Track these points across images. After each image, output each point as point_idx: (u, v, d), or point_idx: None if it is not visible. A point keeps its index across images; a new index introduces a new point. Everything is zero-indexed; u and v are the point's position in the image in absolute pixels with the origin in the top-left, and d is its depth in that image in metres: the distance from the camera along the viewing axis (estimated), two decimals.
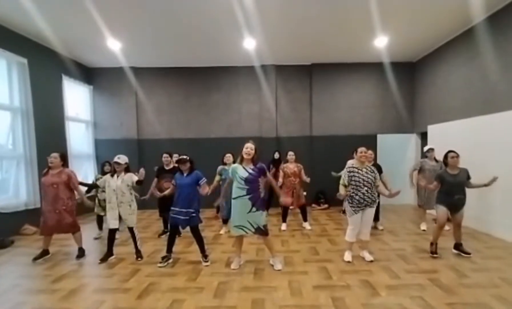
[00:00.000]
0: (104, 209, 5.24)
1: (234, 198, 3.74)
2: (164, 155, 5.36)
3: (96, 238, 5.46)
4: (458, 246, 4.28)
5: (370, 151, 5.49)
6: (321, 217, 6.90)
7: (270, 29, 5.95)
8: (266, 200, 4.01)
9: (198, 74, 8.27)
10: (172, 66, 8.18)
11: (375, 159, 5.80)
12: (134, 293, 3.29)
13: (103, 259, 4.22)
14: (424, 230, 5.57)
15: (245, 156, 3.70)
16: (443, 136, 6.60)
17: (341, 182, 4.05)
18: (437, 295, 3.13)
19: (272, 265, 3.89)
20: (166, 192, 4.47)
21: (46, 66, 6.59)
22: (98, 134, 8.31)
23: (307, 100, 8.34)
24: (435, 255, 4.18)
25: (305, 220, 5.90)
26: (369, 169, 3.98)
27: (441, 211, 4.18)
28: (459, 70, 6.31)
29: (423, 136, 7.80)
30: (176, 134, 8.28)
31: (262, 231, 3.78)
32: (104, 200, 5.15)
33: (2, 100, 5.73)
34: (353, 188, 3.92)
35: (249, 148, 3.68)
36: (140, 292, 3.32)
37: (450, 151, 4.22)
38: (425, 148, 5.86)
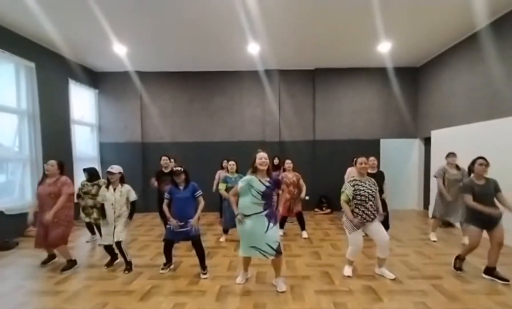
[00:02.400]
0: (87, 215, 5.08)
1: (247, 215, 3.27)
2: (163, 158, 5.28)
3: (88, 242, 5.39)
4: (491, 271, 3.61)
5: (372, 158, 5.36)
6: (323, 222, 6.88)
7: (274, 34, 6.00)
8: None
9: (202, 78, 8.33)
10: (177, 70, 8.26)
11: (378, 165, 5.65)
12: (137, 296, 3.32)
13: (109, 264, 4.18)
14: (434, 241, 5.17)
15: (260, 167, 3.25)
16: (447, 141, 6.57)
17: (343, 197, 3.62)
18: (440, 301, 3.11)
19: (275, 285, 3.48)
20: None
21: (53, 70, 6.69)
22: (102, 138, 8.39)
23: (310, 105, 8.36)
24: (459, 272, 3.77)
25: (303, 228, 5.61)
26: (371, 181, 3.66)
27: (473, 231, 3.59)
28: (462, 75, 6.30)
29: (427, 141, 7.78)
30: (179, 137, 8.33)
31: (279, 249, 3.34)
32: (91, 207, 5.01)
33: (9, 103, 5.83)
34: (356, 203, 3.55)
35: (263, 158, 3.25)
36: (143, 294, 3.34)
37: (479, 157, 3.68)
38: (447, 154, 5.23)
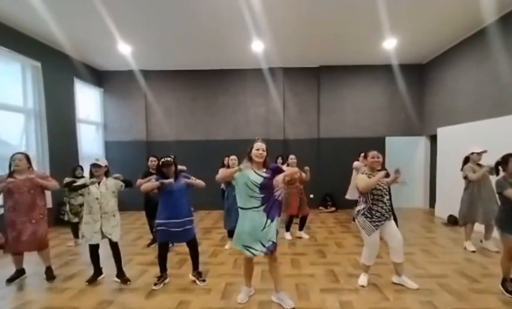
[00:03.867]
0: (76, 214, 4.88)
1: (244, 208, 2.96)
2: (151, 158, 5.06)
3: (69, 246, 5.07)
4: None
5: (375, 152, 5.00)
6: (328, 220, 6.85)
7: (278, 32, 5.97)
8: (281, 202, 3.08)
9: (206, 77, 8.34)
10: (181, 69, 8.27)
11: (383, 163, 5.51)
12: (142, 293, 3.33)
13: (91, 280, 3.62)
14: (474, 251, 4.49)
15: (256, 159, 2.93)
16: (453, 139, 6.51)
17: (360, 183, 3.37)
18: (446, 300, 3.08)
19: (279, 303, 3.06)
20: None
21: (59, 69, 6.74)
22: (108, 136, 8.44)
23: (315, 103, 8.32)
24: None
25: (300, 229, 5.46)
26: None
27: (509, 240, 3.13)
28: (469, 72, 6.21)
29: (433, 139, 7.70)
30: (184, 136, 8.36)
31: (273, 245, 2.96)
32: (79, 205, 4.77)
33: (16, 102, 5.88)
34: (373, 199, 3.30)
35: (261, 149, 2.93)
36: (148, 292, 3.36)
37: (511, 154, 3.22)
38: (471, 150, 4.58)
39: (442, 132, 7.03)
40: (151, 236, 5.20)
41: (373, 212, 3.30)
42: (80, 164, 7.10)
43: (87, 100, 7.91)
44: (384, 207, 3.29)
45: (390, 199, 3.37)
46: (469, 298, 3.11)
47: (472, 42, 6.10)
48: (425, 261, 4.17)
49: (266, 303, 3.06)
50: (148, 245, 5.09)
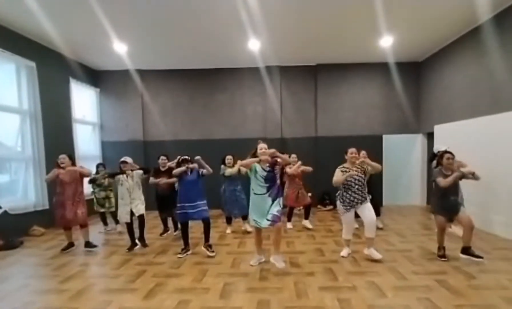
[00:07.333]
0: (102, 206, 5.99)
1: (255, 194, 3.83)
2: (162, 157, 5.48)
3: (100, 232, 6.00)
4: (467, 250, 3.98)
5: (363, 152, 5.21)
6: (326, 218, 6.88)
7: (274, 30, 5.96)
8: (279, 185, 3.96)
9: (203, 75, 8.31)
10: (177, 68, 8.23)
11: (381, 161, 5.63)
12: (141, 294, 3.32)
13: (130, 248, 4.72)
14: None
15: (261, 157, 3.77)
16: (450, 136, 6.53)
17: (334, 178, 4.15)
18: (444, 296, 3.10)
19: (274, 263, 3.81)
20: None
21: (54, 69, 6.69)
22: (104, 136, 8.40)
23: (312, 101, 8.32)
24: (443, 259, 4.03)
25: (306, 217, 6.01)
26: (359, 168, 4.09)
27: (439, 219, 4.09)
28: (465, 69, 6.25)
29: (430, 137, 7.74)
30: (181, 135, 8.33)
31: (275, 217, 3.71)
32: (103, 198, 5.96)
33: (11, 103, 5.83)
34: (344, 187, 4.10)
35: (263, 149, 3.79)
36: (147, 292, 3.35)
37: (446, 152, 4.02)
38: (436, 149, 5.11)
39: (439, 130, 7.06)
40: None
41: (344, 198, 4.11)
42: (77, 164, 7.07)
43: (83, 100, 7.85)
44: (354, 195, 4.04)
45: (361, 188, 4.04)
46: (467, 294, 3.13)
47: (468, 40, 6.13)
48: (422, 258, 4.20)
49: (265, 302, 3.07)
50: (161, 234, 5.58)
